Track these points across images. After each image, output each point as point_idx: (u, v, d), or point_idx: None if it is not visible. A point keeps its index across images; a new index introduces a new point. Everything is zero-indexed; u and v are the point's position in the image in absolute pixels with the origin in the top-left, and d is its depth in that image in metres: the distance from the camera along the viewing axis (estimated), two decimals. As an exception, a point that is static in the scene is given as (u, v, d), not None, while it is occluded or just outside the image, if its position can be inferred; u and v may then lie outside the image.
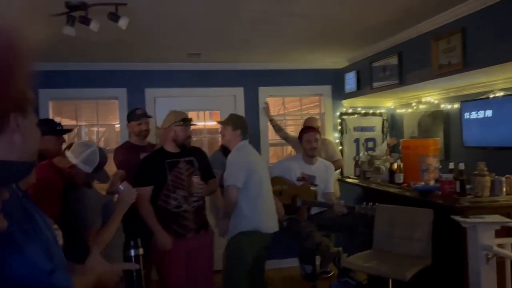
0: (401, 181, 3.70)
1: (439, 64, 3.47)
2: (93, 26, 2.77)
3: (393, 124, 5.32)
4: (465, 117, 3.87)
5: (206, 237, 3.04)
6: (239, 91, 5.16)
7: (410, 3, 3.09)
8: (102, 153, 2.46)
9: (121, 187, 2.47)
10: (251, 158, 3.26)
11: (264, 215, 3.17)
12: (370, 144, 5.26)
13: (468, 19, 3.16)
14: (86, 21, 2.74)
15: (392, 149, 4.97)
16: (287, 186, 3.80)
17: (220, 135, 3.39)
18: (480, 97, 3.76)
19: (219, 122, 3.41)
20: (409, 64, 3.95)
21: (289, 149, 5.57)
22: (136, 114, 3.64)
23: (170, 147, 3.02)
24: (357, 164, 4.60)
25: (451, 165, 3.21)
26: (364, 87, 4.77)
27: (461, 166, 3.06)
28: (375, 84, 4.47)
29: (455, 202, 2.92)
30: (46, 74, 4.67)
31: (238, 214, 3.12)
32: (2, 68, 0.82)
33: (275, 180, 3.85)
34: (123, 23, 2.73)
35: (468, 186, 3.10)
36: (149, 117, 3.77)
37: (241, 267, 3.10)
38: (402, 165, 3.82)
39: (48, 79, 4.68)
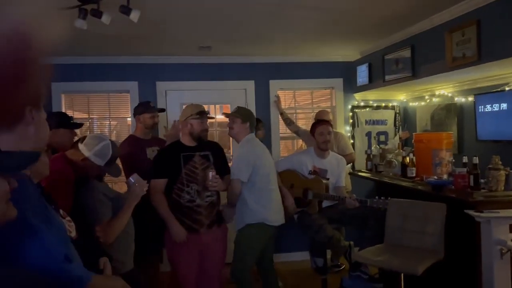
0: (414, 175, 3.66)
1: (453, 57, 3.42)
2: (105, 19, 2.77)
3: (405, 118, 5.27)
4: (479, 110, 3.81)
5: (219, 231, 3.05)
6: (250, 84, 5.15)
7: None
8: (115, 147, 2.48)
9: (131, 179, 2.47)
10: (259, 152, 3.26)
11: (270, 208, 3.20)
12: (382, 138, 5.22)
13: (483, 11, 3.10)
14: (98, 14, 2.75)
15: (405, 142, 4.93)
16: (299, 179, 3.79)
17: (228, 127, 3.37)
18: (495, 90, 3.70)
19: (228, 115, 3.39)
20: (422, 57, 3.89)
21: (300, 142, 5.55)
22: (150, 106, 3.64)
23: (186, 140, 3.01)
24: (369, 158, 4.57)
25: (465, 159, 3.16)
26: (376, 80, 4.73)
27: (475, 160, 3.02)
28: (388, 77, 4.42)
29: (468, 196, 2.89)
30: (58, 68, 4.70)
31: (244, 207, 3.16)
32: (20, 64, 0.83)
33: (287, 173, 3.85)
34: (134, 16, 2.73)
35: (482, 180, 3.06)
36: (163, 110, 3.78)
37: (247, 259, 3.15)
38: (414, 159, 3.78)
39: (60, 73, 4.71)
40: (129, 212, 2.41)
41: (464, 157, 3.21)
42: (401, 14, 3.53)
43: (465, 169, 3.07)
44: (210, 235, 2.95)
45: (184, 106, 3.21)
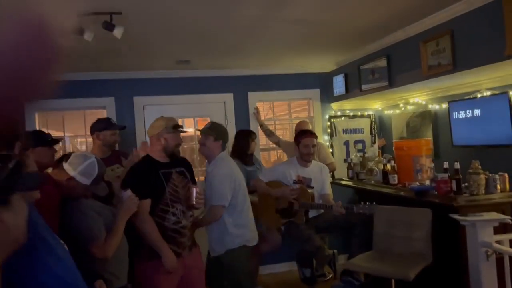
0: (396, 181, 3.75)
1: (429, 66, 3.54)
2: (87, 36, 2.73)
3: (381, 126, 5.39)
4: (454, 117, 3.95)
5: (197, 252, 2.85)
6: (228, 97, 5.16)
7: (397, 7, 3.14)
8: (101, 165, 2.42)
9: (124, 193, 2.44)
10: (236, 170, 3.13)
11: (249, 228, 3.10)
12: (359, 146, 5.32)
13: (456, 21, 3.23)
14: (79, 31, 2.70)
15: (382, 150, 5.05)
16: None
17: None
18: (467, 96, 3.85)
19: (201, 132, 3.19)
20: (398, 66, 4.01)
21: (277, 153, 5.58)
22: (111, 123, 3.42)
23: (159, 156, 2.71)
24: (349, 166, 4.65)
25: (446, 165, 3.27)
26: (352, 89, 4.83)
27: (457, 165, 3.12)
28: (364, 87, 4.53)
29: (452, 201, 2.98)
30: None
31: (223, 232, 2.99)
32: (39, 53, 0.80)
33: (272, 185, 3.86)
34: (118, 32, 2.70)
35: (463, 185, 3.16)
36: (124, 127, 3.63)
37: (244, 284, 3.02)
38: (395, 166, 3.88)
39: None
40: (123, 226, 2.38)
41: (444, 162, 3.31)
42: (376, 25, 3.63)
43: (446, 175, 3.17)
44: (191, 258, 2.75)
45: (154, 120, 2.84)
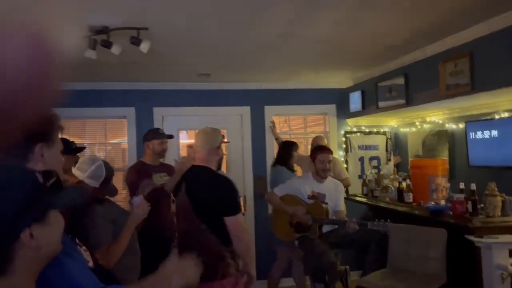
0: (411, 200, 3.76)
1: (447, 86, 3.57)
2: (115, 49, 2.83)
3: (397, 143, 5.40)
4: (471, 137, 3.95)
5: None
6: (245, 110, 5.24)
7: (417, 27, 3.19)
8: (108, 167, 2.48)
9: (135, 200, 2.45)
10: None
11: None
12: (374, 163, 5.34)
13: (475, 44, 3.26)
14: (108, 44, 2.81)
15: (397, 167, 5.06)
16: (298, 204, 3.85)
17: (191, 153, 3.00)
18: (485, 117, 3.85)
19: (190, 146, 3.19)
20: (416, 85, 4.04)
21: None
22: (158, 132, 3.67)
23: (216, 169, 2.67)
24: (364, 183, 4.66)
25: (461, 185, 3.27)
26: (369, 106, 4.86)
27: (473, 186, 3.13)
28: (381, 104, 4.56)
29: (467, 222, 2.98)
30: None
31: None
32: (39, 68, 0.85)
33: (286, 198, 3.90)
34: (144, 46, 2.79)
35: (478, 206, 3.16)
36: (171, 136, 3.81)
37: None
38: (410, 184, 3.88)
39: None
40: (129, 234, 2.38)
41: (460, 183, 3.32)
42: (394, 45, 3.68)
43: (462, 195, 3.18)
44: None
45: (203, 133, 2.68)
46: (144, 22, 2.76)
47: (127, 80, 4.78)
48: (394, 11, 2.79)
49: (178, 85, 4.98)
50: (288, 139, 4.93)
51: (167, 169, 3.64)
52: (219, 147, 2.65)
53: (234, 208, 2.47)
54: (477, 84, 3.26)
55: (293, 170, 4.60)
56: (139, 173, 3.53)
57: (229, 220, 2.42)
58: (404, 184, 3.90)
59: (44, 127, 1.38)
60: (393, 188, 4.11)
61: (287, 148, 4.63)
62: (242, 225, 2.50)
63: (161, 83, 4.93)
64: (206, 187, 2.52)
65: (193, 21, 2.81)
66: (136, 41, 2.77)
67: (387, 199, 4.11)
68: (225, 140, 2.93)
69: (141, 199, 2.45)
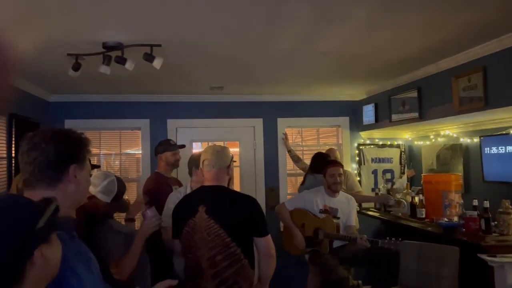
0: (423, 216, 3.72)
1: (460, 101, 3.54)
2: (129, 65, 2.89)
3: (410, 156, 5.35)
4: (486, 152, 3.90)
5: None
6: (258, 122, 5.26)
7: (430, 42, 3.17)
8: (120, 183, 2.51)
9: (148, 212, 2.42)
10: None
11: None
12: (388, 176, 5.29)
13: (489, 59, 3.24)
14: (122, 61, 2.86)
15: (411, 180, 5.01)
16: (309, 218, 3.84)
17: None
18: (500, 132, 3.81)
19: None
20: (429, 99, 4.01)
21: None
22: (170, 144, 3.71)
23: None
24: (377, 197, 4.62)
25: (475, 202, 3.23)
26: (382, 119, 4.84)
27: (486, 204, 3.08)
28: (394, 117, 4.54)
29: (480, 240, 2.93)
30: (70, 105, 4.84)
31: None
32: None
33: (297, 212, 3.90)
34: (157, 63, 2.84)
35: (492, 223, 3.11)
36: (183, 146, 3.85)
37: None
38: (423, 199, 3.84)
39: (75, 110, 4.84)
40: (140, 246, 2.37)
41: (474, 200, 3.27)
42: (408, 59, 3.67)
43: (475, 212, 3.13)
44: None
45: (213, 151, 2.52)
46: (158, 38, 2.81)
47: (142, 93, 4.86)
48: (407, 27, 2.79)
49: (191, 97, 5.04)
50: (303, 153, 4.89)
51: (177, 182, 3.69)
52: (229, 166, 2.52)
53: (265, 227, 2.36)
54: (491, 100, 3.22)
55: None
56: (158, 183, 3.57)
57: (260, 241, 2.32)
58: (417, 199, 3.86)
59: (77, 149, 1.44)
60: (406, 203, 4.07)
61: (321, 159, 4.45)
62: (273, 245, 2.39)
63: (174, 96, 4.99)
64: (233, 207, 2.36)
65: (206, 37, 2.85)
66: (149, 58, 2.83)
67: (400, 214, 4.07)
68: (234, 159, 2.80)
69: (154, 212, 2.43)
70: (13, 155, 3.72)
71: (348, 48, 3.28)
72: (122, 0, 2.23)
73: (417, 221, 3.71)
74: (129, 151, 5.22)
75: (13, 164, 3.72)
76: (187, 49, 3.11)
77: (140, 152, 5.06)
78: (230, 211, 2.35)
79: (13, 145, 3.72)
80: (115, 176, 2.51)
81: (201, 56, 3.36)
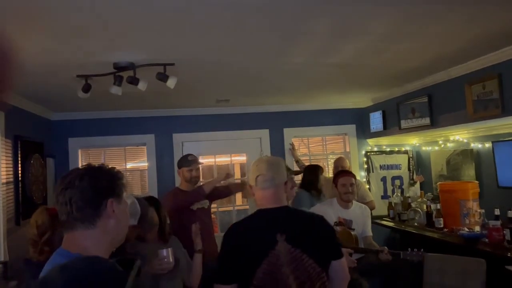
0: (441, 225, 3.66)
1: (475, 109, 3.50)
2: (141, 86, 2.81)
3: (419, 162, 5.31)
4: (499, 157, 3.86)
5: None
6: (264, 133, 5.20)
7: (445, 51, 3.13)
8: (142, 203, 2.43)
9: (163, 252, 2.28)
10: None
11: None
12: (397, 182, 5.24)
13: (504, 66, 3.20)
14: (134, 81, 2.78)
15: (420, 186, 4.96)
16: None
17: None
18: (512, 137, 3.77)
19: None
20: (440, 106, 3.98)
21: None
22: (187, 160, 3.60)
23: None
24: (390, 206, 4.56)
25: (497, 211, 3.18)
26: (391, 126, 4.80)
27: (510, 213, 3.03)
28: (404, 124, 4.49)
29: (507, 251, 2.88)
30: (73, 123, 4.74)
31: None
32: None
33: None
34: (171, 82, 2.77)
35: (514, 232, 3.06)
36: (200, 163, 3.74)
37: None
38: (441, 208, 3.79)
39: (77, 128, 4.74)
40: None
41: (496, 209, 3.22)
42: (418, 67, 3.63)
43: (498, 222, 3.08)
44: None
45: (267, 163, 2.06)
46: (171, 57, 2.74)
47: (145, 108, 4.77)
48: (424, 38, 2.75)
49: (196, 110, 4.97)
50: (311, 163, 4.86)
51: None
52: (287, 182, 2.07)
53: (340, 248, 2.05)
54: (507, 107, 3.19)
55: (319, 193, 4.45)
56: (177, 198, 3.42)
57: (338, 264, 1.99)
58: (432, 207, 3.80)
59: (113, 182, 1.40)
60: (421, 212, 4.02)
61: (311, 172, 4.52)
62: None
63: (180, 109, 4.91)
64: (311, 230, 1.96)
65: (221, 55, 2.79)
66: (163, 77, 2.75)
67: (415, 223, 4.01)
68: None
69: (168, 253, 2.27)
70: (20, 178, 3.62)
71: (361, 60, 3.23)
72: (136, 22, 2.15)
73: (435, 231, 3.65)
74: (133, 165, 5.12)
75: (20, 188, 3.61)
76: (200, 66, 3.05)
77: (145, 166, 4.97)
78: (310, 235, 1.94)
79: (20, 168, 3.62)
80: (134, 197, 2.44)
81: (212, 73, 3.29)
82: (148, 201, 2.47)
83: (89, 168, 1.48)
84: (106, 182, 1.42)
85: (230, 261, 1.89)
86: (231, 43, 2.55)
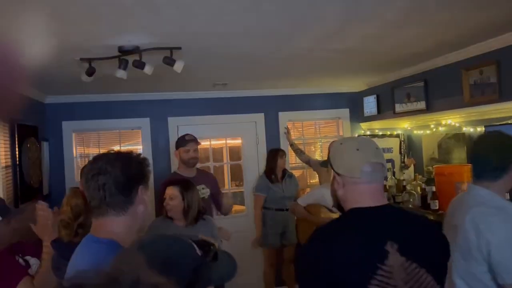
0: (437, 207, 3.76)
1: (471, 93, 3.58)
2: (148, 69, 2.78)
3: (410, 145, 5.41)
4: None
5: None
6: (259, 117, 5.22)
7: (446, 37, 3.18)
8: None
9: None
10: None
11: None
12: (388, 165, 5.34)
13: (503, 52, 3.27)
14: (140, 65, 2.75)
15: (414, 169, 5.07)
16: (324, 213, 3.85)
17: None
18: (505, 122, 3.87)
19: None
20: (436, 91, 4.05)
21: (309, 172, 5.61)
22: (184, 139, 3.43)
23: None
24: (385, 189, 4.66)
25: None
26: (385, 111, 4.87)
27: (507, 196, 3.13)
28: (398, 109, 4.57)
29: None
30: (69, 106, 4.66)
31: None
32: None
33: (312, 208, 3.90)
34: (178, 66, 2.75)
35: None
36: (198, 143, 3.55)
37: None
38: (435, 191, 3.89)
39: (71, 111, 4.66)
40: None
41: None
42: (416, 53, 3.67)
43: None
44: None
45: (366, 143, 1.53)
46: (178, 41, 2.71)
47: (140, 91, 4.71)
48: (430, 25, 2.79)
49: (192, 94, 4.94)
50: (304, 147, 4.91)
51: (206, 179, 3.43)
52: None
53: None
54: (505, 92, 3.27)
55: (273, 181, 4.58)
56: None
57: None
58: (427, 190, 3.91)
59: (143, 169, 1.44)
60: (416, 194, 4.13)
61: (269, 156, 4.72)
62: None
63: (175, 93, 4.87)
64: (426, 238, 1.45)
65: (228, 40, 2.77)
66: (170, 61, 2.73)
67: (410, 205, 4.12)
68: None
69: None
70: (17, 162, 3.56)
71: (364, 46, 3.25)
72: (145, 5, 2.11)
73: (431, 213, 3.76)
74: (129, 146, 5.07)
75: (18, 172, 3.56)
76: (205, 50, 3.02)
77: (141, 151, 4.93)
78: (426, 244, 1.44)
79: (17, 153, 3.55)
80: None
81: (217, 57, 3.26)
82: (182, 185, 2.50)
83: (119, 154, 1.49)
84: (137, 169, 1.45)
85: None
86: (243, 27, 2.54)
